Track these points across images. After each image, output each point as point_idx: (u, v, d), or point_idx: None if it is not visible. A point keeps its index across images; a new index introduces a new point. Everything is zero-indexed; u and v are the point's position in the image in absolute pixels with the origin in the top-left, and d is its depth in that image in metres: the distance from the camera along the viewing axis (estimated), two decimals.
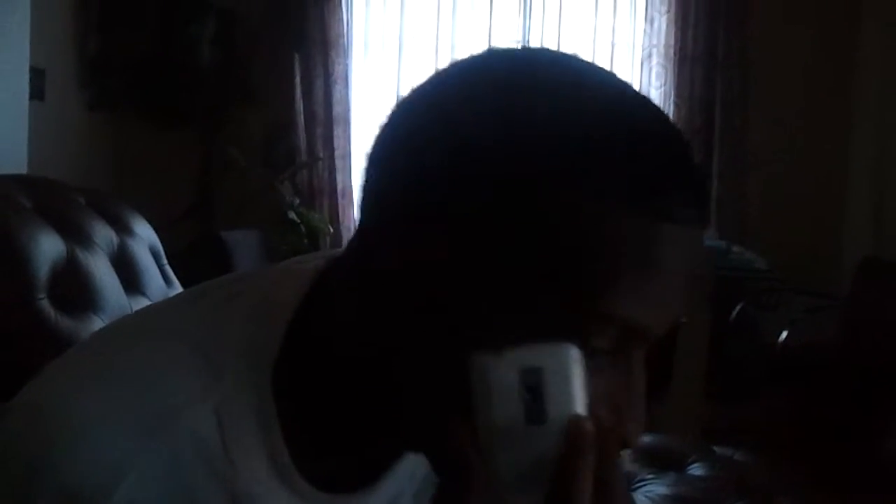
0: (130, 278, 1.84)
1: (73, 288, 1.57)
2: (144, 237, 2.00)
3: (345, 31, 4.34)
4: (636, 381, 0.57)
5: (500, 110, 0.54)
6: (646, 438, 2.10)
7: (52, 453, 0.55)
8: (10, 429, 0.57)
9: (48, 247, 1.55)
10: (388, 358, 0.57)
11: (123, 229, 1.92)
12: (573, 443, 0.51)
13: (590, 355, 0.53)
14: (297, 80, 4.31)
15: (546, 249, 0.53)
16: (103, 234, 1.78)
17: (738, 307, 3.70)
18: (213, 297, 0.64)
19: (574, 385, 0.52)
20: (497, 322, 0.53)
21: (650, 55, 4.33)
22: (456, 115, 0.56)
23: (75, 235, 1.67)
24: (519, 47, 0.62)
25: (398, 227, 0.56)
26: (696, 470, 2.05)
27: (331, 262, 0.64)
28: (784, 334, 3.34)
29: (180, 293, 0.71)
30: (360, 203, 0.60)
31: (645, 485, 1.93)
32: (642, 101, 0.58)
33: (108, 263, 1.73)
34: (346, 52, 4.34)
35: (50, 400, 0.57)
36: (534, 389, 0.51)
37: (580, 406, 0.52)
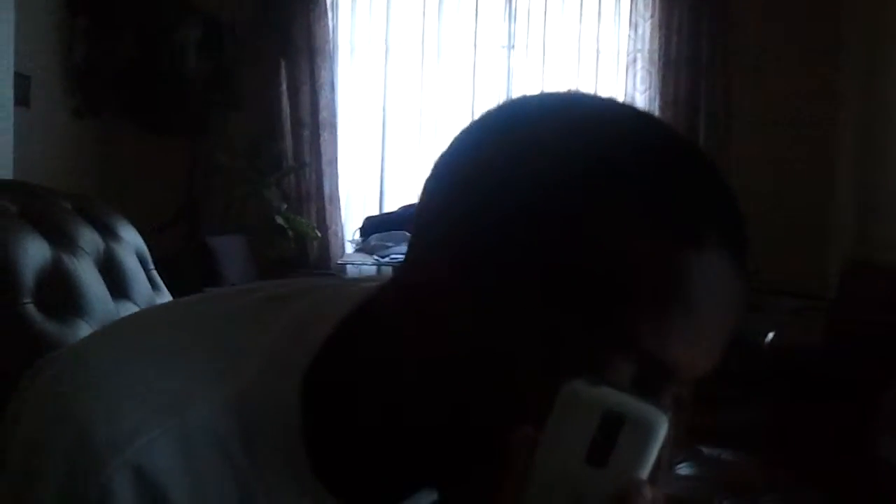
0: (117, 283, 1.84)
1: (59, 293, 1.56)
2: (131, 242, 1.99)
3: (330, 37, 4.35)
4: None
5: (545, 162, 0.56)
6: None
7: (72, 406, 0.58)
8: (48, 373, 0.62)
9: (34, 251, 1.55)
10: (432, 386, 0.58)
11: (110, 234, 1.91)
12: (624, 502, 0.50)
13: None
14: (284, 85, 4.32)
15: (587, 282, 0.54)
16: (90, 239, 1.77)
17: None
18: (262, 299, 0.66)
19: (647, 449, 0.51)
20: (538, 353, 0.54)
21: (635, 60, 4.36)
22: (505, 170, 0.57)
23: (61, 240, 1.66)
24: (548, 93, 0.63)
25: (453, 266, 0.57)
26: (684, 470, 2.06)
27: (381, 287, 0.65)
28: (770, 336, 3.35)
29: (237, 287, 0.73)
30: (414, 238, 0.61)
31: None
32: (671, 133, 0.59)
33: (95, 268, 1.72)
34: (332, 58, 4.35)
35: (93, 359, 0.62)
36: (608, 434, 0.50)
37: (642, 472, 0.51)
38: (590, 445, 0.50)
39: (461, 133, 0.61)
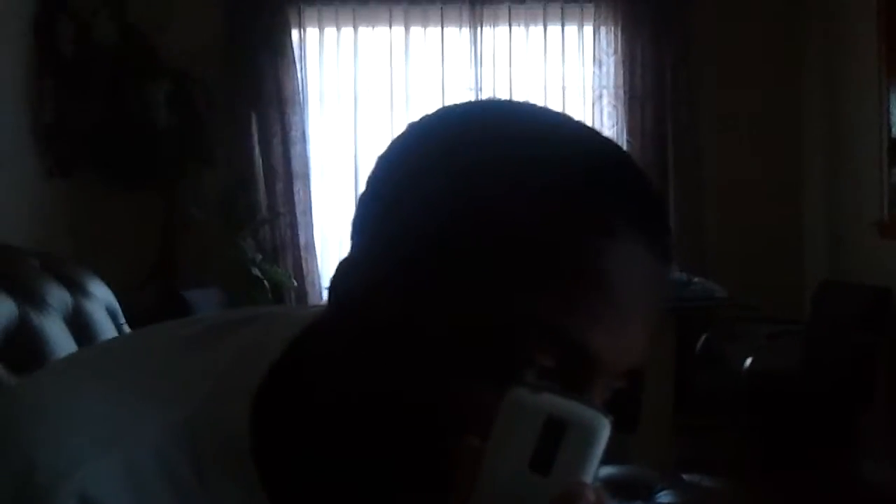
0: (86, 339, 1.83)
1: (26, 350, 1.56)
2: (101, 298, 1.99)
3: (300, 87, 4.40)
4: None
5: (471, 166, 0.57)
6: (614, 469, 2.10)
7: (18, 432, 0.58)
8: None
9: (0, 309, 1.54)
10: (373, 405, 0.58)
11: (79, 290, 1.91)
12: None
13: (541, 375, 0.54)
14: (255, 137, 4.35)
15: (504, 273, 0.55)
16: (57, 295, 1.77)
17: (703, 337, 3.74)
18: (210, 326, 0.66)
19: (590, 453, 0.51)
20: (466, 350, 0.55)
21: (601, 96, 4.43)
22: (430, 179, 0.58)
23: (28, 297, 1.66)
24: (471, 101, 0.65)
25: (375, 278, 0.58)
26: (665, 497, 2.06)
27: (323, 312, 0.65)
28: (748, 361, 3.37)
29: (188, 318, 0.73)
30: (347, 261, 0.62)
31: None
32: (588, 130, 0.61)
33: (63, 325, 1.72)
34: (302, 108, 4.40)
35: (39, 388, 0.62)
36: (551, 440, 0.51)
37: (586, 476, 0.51)
38: (533, 452, 0.50)
39: (391, 145, 0.63)
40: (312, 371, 0.62)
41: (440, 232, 0.57)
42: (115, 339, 0.71)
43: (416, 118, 0.63)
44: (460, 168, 0.57)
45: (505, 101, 0.64)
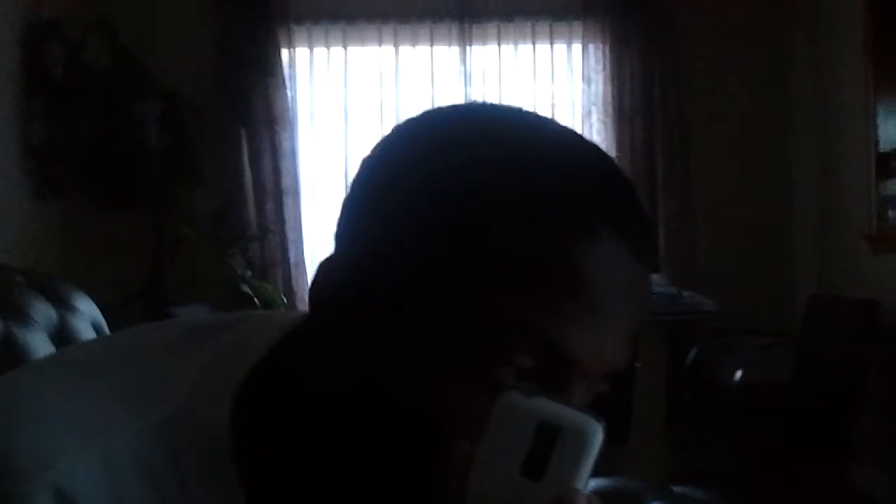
0: None
1: (10, 366, 1.54)
2: (87, 313, 1.98)
3: (290, 105, 4.41)
4: None
5: (457, 165, 0.58)
6: (605, 480, 2.10)
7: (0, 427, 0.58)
8: None
9: None
10: (362, 402, 0.58)
11: (64, 306, 1.90)
12: None
13: (520, 376, 0.54)
14: (245, 155, 4.36)
15: (484, 274, 0.55)
16: (42, 311, 1.76)
17: (693, 351, 3.74)
18: (192, 328, 0.66)
19: (582, 459, 0.50)
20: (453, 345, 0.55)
21: (590, 113, 4.44)
22: (412, 181, 0.59)
23: (12, 313, 1.65)
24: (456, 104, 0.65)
25: (356, 280, 0.58)
26: None
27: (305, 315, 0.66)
28: (739, 374, 3.37)
29: (170, 320, 0.74)
30: (328, 262, 0.62)
31: None
32: (571, 133, 0.61)
33: (48, 340, 1.71)
34: (292, 126, 4.40)
35: (16, 387, 0.62)
36: (544, 445, 0.50)
37: (578, 482, 0.50)
38: (525, 457, 0.50)
39: (375, 147, 0.63)
40: (294, 374, 0.62)
41: (421, 234, 0.57)
42: (95, 339, 0.71)
43: (401, 121, 0.63)
44: (441, 169, 0.58)
45: (489, 104, 0.64)
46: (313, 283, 0.61)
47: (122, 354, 0.65)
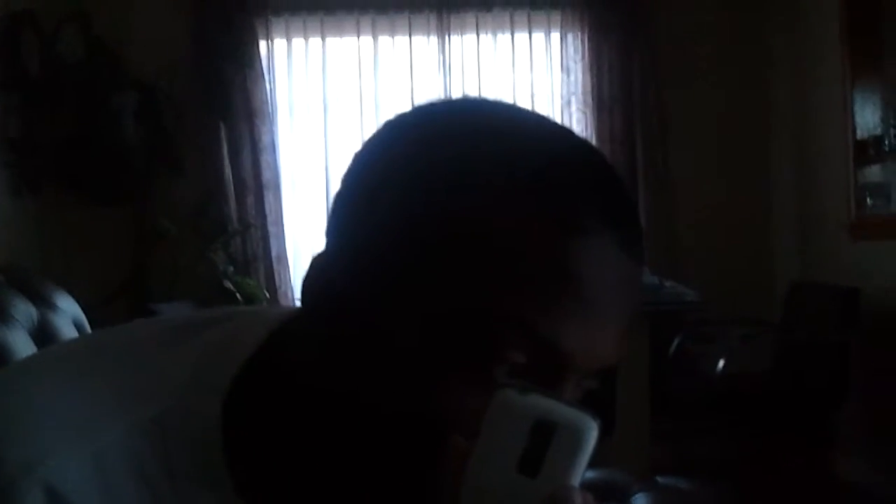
0: None
1: None
2: (67, 311, 1.96)
3: (269, 98, 4.38)
4: None
5: (444, 162, 0.57)
6: (589, 472, 2.10)
7: None
8: None
9: None
10: (354, 399, 0.58)
11: (44, 303, 1.89)
12: None
13: (512, 373, 0.54)
14: (225, 149, 4.33)
15: (475, 270, 0.55)
16: (22, 308, 1.74)
17: (676, 341, 3.75)
18: (182, 324, 0.66)
19: (578, 456, 0.50)
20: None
21: (569, 102, 4.45)
22: (402, 177, 0.58)
23: None
24: (445, 100, 0.66)
25: (348, 273, 0.58)
26: (640, 501, 2.06)
27: (296, 311, 0.65)
28: (721, 363, 3.39)
29: (160, 317, 0.74)
30: (318, 261, 0.61)
31: None
32: (561, 129, 0.62)
33: (28, 338, 1.69)
34: (271, 119, 4.38)
35: (6, 383, 0.63)
36: (540, 442, 0.50)
37: (574, 479, 0.50)
38: (521, 455, 0.50)
39: (366, 142, 0.63)
40: (286, 370, 0.61)
41: (411, 229, 0.56)
42: (79, 337, 0.71)
43: (392, 116, 0.63)
44: (433, 166, 0.57)
45: (479, 100, 0.64)
46: (305, 278, 0.60)
47: (108, 351, 0.65)
